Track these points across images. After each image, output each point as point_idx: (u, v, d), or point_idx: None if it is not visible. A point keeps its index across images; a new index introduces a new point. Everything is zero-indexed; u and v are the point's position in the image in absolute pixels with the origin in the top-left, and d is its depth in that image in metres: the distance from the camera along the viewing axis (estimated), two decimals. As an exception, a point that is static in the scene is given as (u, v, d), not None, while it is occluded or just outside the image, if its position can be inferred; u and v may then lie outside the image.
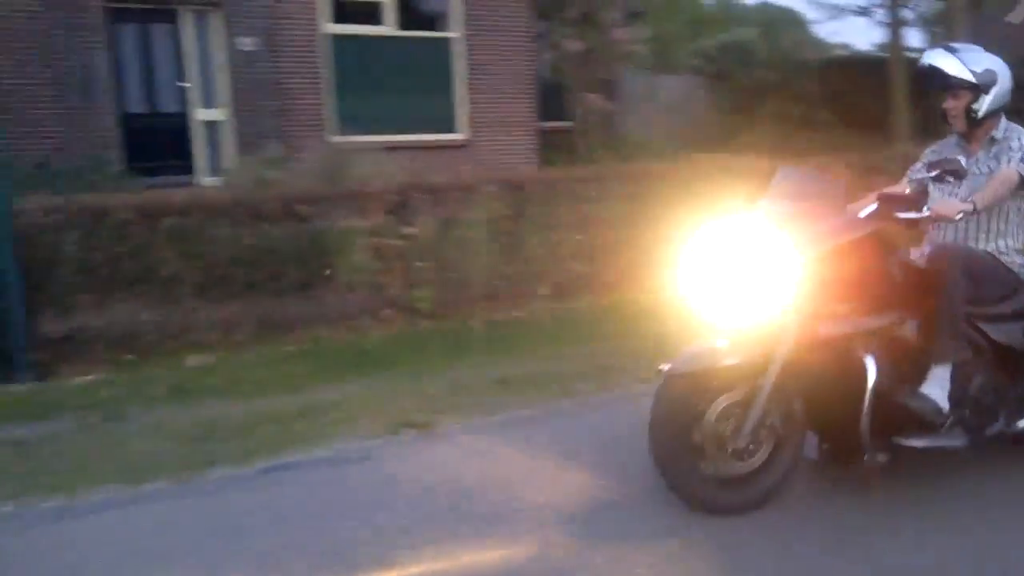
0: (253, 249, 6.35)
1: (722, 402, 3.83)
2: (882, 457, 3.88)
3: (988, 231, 4.23)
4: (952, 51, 4.15)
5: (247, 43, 12.66)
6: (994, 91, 4.11)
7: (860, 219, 3.88)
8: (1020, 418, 4.16)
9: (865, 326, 3.81)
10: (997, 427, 4.11)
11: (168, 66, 13.12)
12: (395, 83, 13.77)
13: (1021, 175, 4.07)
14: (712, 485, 3.86)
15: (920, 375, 3.92)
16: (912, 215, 3.93)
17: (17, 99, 11.91)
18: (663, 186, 7.75)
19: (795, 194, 3.93)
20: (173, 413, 5.22)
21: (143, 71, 13.08)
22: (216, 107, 13.05)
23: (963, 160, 4.08)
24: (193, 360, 6.02)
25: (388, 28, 13.54)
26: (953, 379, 3.96)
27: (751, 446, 3.84)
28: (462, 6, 13.84)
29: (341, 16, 13.31)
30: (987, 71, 4.08)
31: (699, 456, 3.81)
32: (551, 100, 14.90)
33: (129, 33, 12.91)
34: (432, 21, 14.21)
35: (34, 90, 11.90)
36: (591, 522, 3.80)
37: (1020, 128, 4.26)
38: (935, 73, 4.15)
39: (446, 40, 13.95)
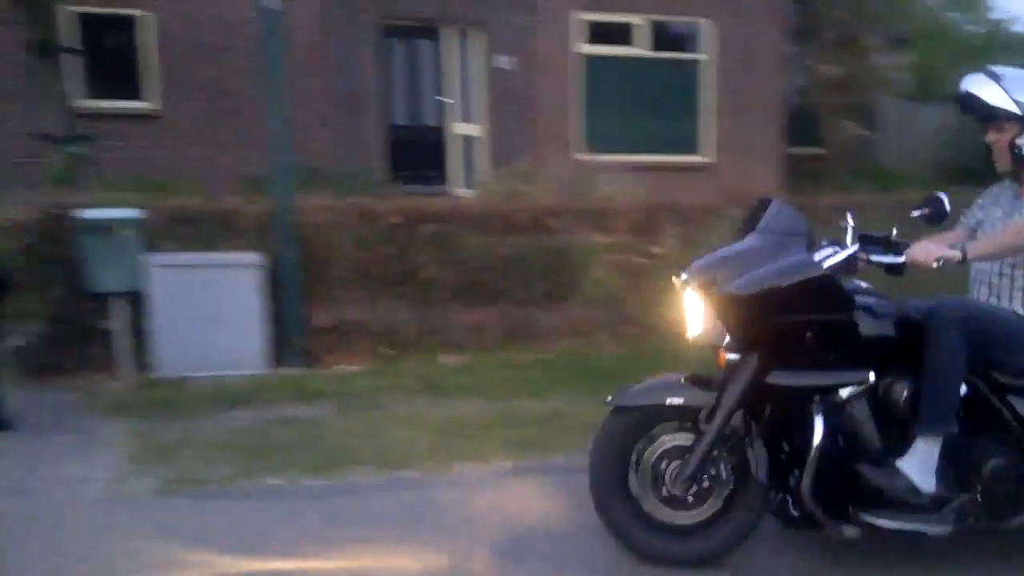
0: (503, 258, 6.66)
1: (663, 444, 3.53)
2: (850, 531, 3.41)
3: None
4: (994, 77, 3.59)
5: (505, 61, 13.19)
6: None
7: (814, 260, 3.38)
8: None
9: (823, 380, 3.37)
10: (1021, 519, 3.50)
11: (430, 82, 13.90)
12: (642, 103, 13.90)
13: None
14: (657, 533, 3.56)
15: (907, 445, 3.41)
16: (886, 259, 3.55)
17: (300, 111, 13.04)
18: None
19: (783, 229, 3.42)
20: (425, 406, 5.57)
21: (408, 86, 13.92)
22: (472, 122, 13.68)
23: (945, 199, 3.65)
24: (445, 359, 6.39)
25: (640, 50, 13.69)
26: (954, 456, 3.44)
27: (692, 495, 3.50)
28: (714, 29, 13.79)
29: (596, 37, 13.59)
30: None
31: (638, 501, 3.54)
32: (799, 125, 14.52)
33: (397, 50, 13.78)
34: (683, 43, 14.23)
35: (315, 103, 12.96)
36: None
37: None
38: (973, 101, 3.62)
39: (695, 62, 13.94)
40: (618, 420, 3.53)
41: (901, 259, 3.50)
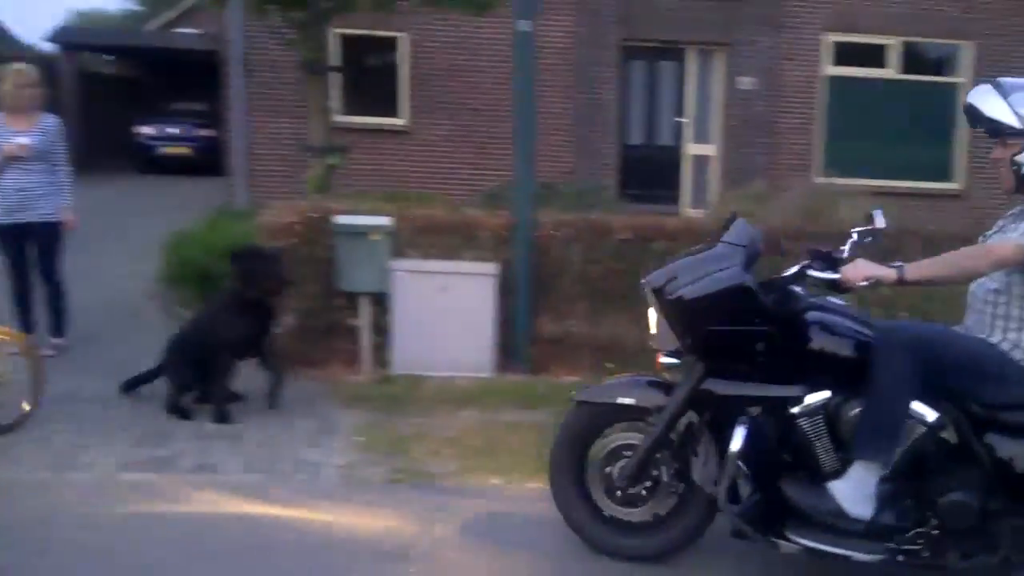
0: (732, 279, 6.58)
1: (613, 441, 3.69)
2: (786, 547, 3.42)
3: (1008, 318, 3.37)
4: (1001, 89, 3.36)
5: (746, 82, 13.02)
6: None
7: (738, 273, 3.45)
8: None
9: (756, 391, 3.46)
10: (984, 559, 3.32)
11: (668, 101, 13.93)
12: (889, 127, 13.31)
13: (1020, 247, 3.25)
14: (608, 527, 3.75)
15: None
16: (823, 275, 3.46)
17: (540, 127, 13.46)
18: None
19: (736, 241, 3.56)
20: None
21: (645, 105, 14.01)
22: (707, 142, 13.59)
23: (879, 215, 3.69)
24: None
25: (890, 72, 13.13)
26: (913, 486, 3.36)
27: (641, 492, 3.66)
28: (973, 51, 13.00)
29: (843, 58, 13.17)
30: None
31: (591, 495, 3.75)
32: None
33: (638, 69, 13.91)
34: (938, 66, 13.51)
35: (554, 119, 13.33)
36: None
37: None
38: (976, 115, 3.42)
39: (952, 86, 13.20)
40: (576, 416, 3.80)
41: (836, 276, 3.43)
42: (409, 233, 6.30)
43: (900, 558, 3.37)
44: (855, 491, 3.32)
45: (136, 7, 41.90)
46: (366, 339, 6.26)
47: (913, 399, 3.30)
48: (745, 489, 3.46)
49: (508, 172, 13.33)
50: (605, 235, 6.39)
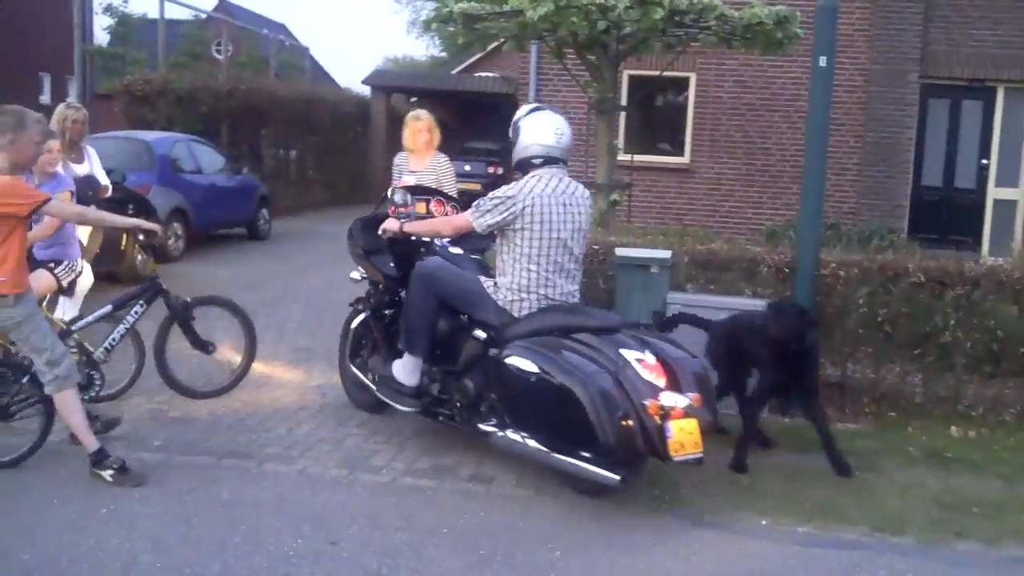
0: (1037, 332, 6.08)
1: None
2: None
3: (495, 268, 5.16)
4: None
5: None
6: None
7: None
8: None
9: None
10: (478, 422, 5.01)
11: (970, 142, 13.04)
12: None
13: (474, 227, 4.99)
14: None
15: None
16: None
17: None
18: None
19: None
20: (926, 476, 5.28)
21: (942, 146, 13.20)
22: (1013, 186, 12.58)
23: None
24: (956, 430, 5.99)
25: None
26: (440, 370, 5.29)
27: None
28: None
29: None
30: None
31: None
32: None
33: (939, 108, 13.14)
34: None
35: (842, 157, 12.88)
36: None
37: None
38: None
39: None
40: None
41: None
42: (689, 267, 6.34)
43: (440, 419, 5.28)
44: (403, 369, 5.31)
45: (441, 53, 44.90)
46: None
47: (428, 314, 5.16)
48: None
49: (790, 211, 13.11)
50: (896, 278, 6.10)
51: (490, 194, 4.96)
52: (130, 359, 5.82)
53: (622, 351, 4.50)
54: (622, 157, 10.51)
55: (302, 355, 7.44)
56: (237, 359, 6.16)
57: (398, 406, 5.33)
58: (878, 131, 13.01)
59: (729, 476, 5.16)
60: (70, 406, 4.66)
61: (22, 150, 4.52)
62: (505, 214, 4.83)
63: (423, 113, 7.33)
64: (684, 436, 4.35)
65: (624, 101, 12.82)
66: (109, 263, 9.21)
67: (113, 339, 5.29)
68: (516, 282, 4.86)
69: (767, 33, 8.86)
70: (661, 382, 4.40)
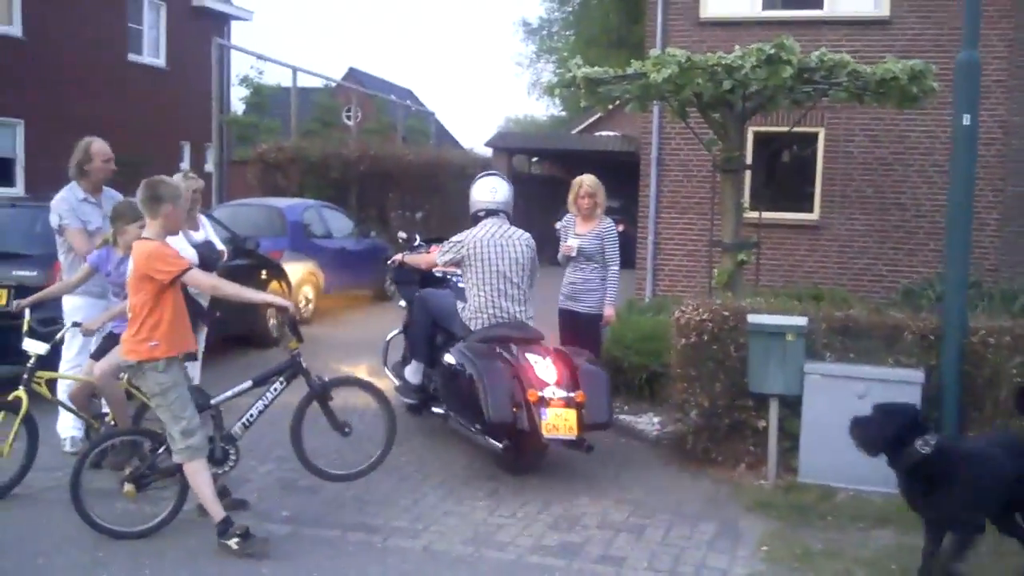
0: None
1: None
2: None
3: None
4: None
5: None
6: None
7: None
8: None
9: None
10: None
11: None
12: None
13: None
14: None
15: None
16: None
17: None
18: None
19: None
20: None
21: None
22: None
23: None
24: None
25: None
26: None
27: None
28: None
29: None
30: None
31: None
32: None
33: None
34: None
35: (981, 214, 12.26)
36: None
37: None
38: None
39: None
40: None
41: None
42: (826, 334, 6.06)
43: (435, 408, 6.70)
44: (411, 371, 7.05)
45: (561, 112, 45.34)
46: (773, 443, 6.07)
47: (425, 329, 6.89)
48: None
49: (925, 269, 12.55)
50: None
51: (450, 239, 6.70)
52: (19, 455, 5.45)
53: (528, 355, 5.95)
54: (750, 214, 10.25)
55: (424, 422, 7.43)
56: (375, 442, 5.83)
57: (406, 399, 7.03)
58: (1018, 184, 12.35)
59: None
60: (200, 476, 4.73)
61: (175, 219, 4.82)
62: (455, 254, 6.55)
63: (587, 178, 7.55)
64: (558, 421, 5.64)
65: (749, 158, 12.55)
66: (240, 327, 9.51)
67: (251, 415, 5.24)
68: (473, 305, 6.46)
69: (902, 88, 8.53)
70: (551, 379, 5.78)
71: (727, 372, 6.24)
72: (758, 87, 8.51)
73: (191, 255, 7.29)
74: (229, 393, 5.28)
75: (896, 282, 12.58)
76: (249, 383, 5.26)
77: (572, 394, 5.68)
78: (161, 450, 4.89)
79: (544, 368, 5.81)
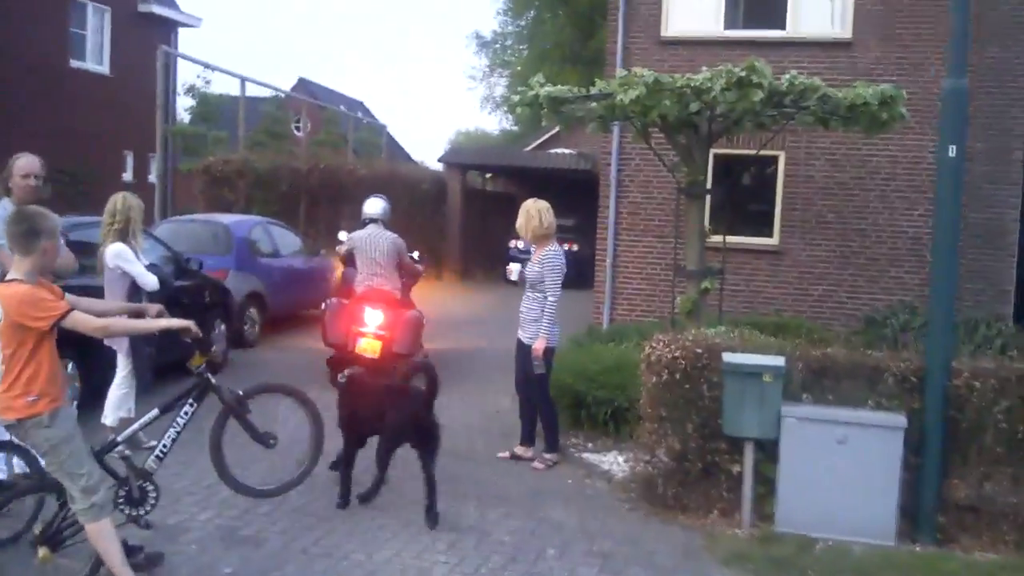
0: None
1: None
2: None
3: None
4: None
5: None
6: None
7: None
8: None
9: None
10: None
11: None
12: None
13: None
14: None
15: None
16: None
17: (926, 250, 12.41)
18: None
19: None
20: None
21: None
22: None
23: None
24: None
25: None
26: None
27: None
28: None
29: None
30: None
31: None
32: None
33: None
34: None
35: (943, 241, 12.19)
36: None
37: None
38: None
39: None
40: None
41: None
42: (803, 374, 5.77)
43: None
44: None
45: (513, 127, 45.12)
46: (748, 489, 5.75)
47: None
48: None
49: (888, 296, 12.40)
50: (1033, 389, 5.44)
51: (348, 236, 9.40)
52: None
53: (366, 306, 8.69)
54: (713, 238, 9.99)
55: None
56: (303, 450, 5.57)
57: None
58: (981, 211, 12.28)
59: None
60: (106, 536, 4.22)
61: (51, 257, 4.25)
62: (349, 246, 9.16)
63: (528, 203, 7.20)
64: (368, 346, 8.49)
65: (710, 181, 12.33)
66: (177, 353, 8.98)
67: (164, 445, 4.74)
68: (358, 278, 9.09)
69: (872, 114, 8.33)
70: (373, 323, 8.60)
71: (699, 413, 5.91)
72: (726, 110, 8.27)
73: (151, 281, 6.84)
74: (135, 426, 4.82)
75: (857, 309, 12.43)
76: (156, 411, 4.80)
77: (382, 332, 8.57)
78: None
79: (371, 315, 8.66)
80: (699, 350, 5.88)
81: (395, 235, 9.23)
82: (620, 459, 7.02)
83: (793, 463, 5.60)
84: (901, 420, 5.49)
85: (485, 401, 9.11)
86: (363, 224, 9.17)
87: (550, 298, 6.89)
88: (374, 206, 9.41)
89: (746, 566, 5.19)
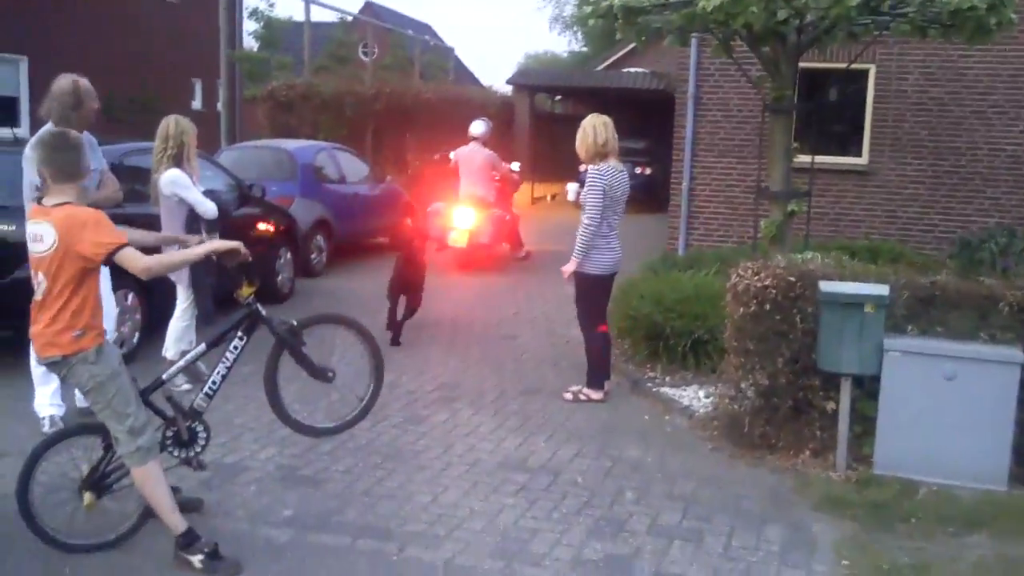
0: None
1: None
2: None
3: None
4: None
5: None
6: None
7: None
8: None
9: None
10: None
11: None
12: None
13: None
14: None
15: None
16: None
17: (1015, 170, 11.58)
18: None
19: None
20: None
21: None
22: None
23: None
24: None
25: None
26: None
27: None
28: None
29: None
30: None
31: None
32: None
33: None
34: None
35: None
36: None
37: None
38: None
39: None
40: None
41: None
42: (907, 304, 5.25)
43: None
44: None
45: (582, 48, 43.99)
46: (844, 428, 5.29)
47: None
48: None
49: (984, 217, 11.62)
50: None
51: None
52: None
53: (456, 208, 11.51)
54: (801, 159, 9.36)
55: (446, 392, 6.71)
56: (364, 385, 5.01)
57: None
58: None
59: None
60: (153, 481, 3.96)
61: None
62: (453, 157, 11.90)
63: (588, 118, 6.59)
64: (457, 237, 11.26)
65: (796, 97, 11.60)
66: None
67: (214, 381, 4.43)
68: (463, 187, 11.72)
69: (978, 19, 7.56)
70: (461, 222, 11.27)
71: (791, 346, 5.45)
72: (816, 17, 7.59)
73: (211, 208, 6.56)
74: (181, 363, 4.53)
75: (950, 232, 11.70)
76: (203, 347, 4.49)
77: (467, 228, 11.17)
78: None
79: (460, 214, 11.24)
80: (792, 278, 5.38)
81: (491, 151, 11.67)
82: (700, 394, 6.61)
83: (895, 401, 5.11)
84: (1018, 355, 4.95)
85: (554, 332, 8.73)
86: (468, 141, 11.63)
87: (584, 219, 6.35)
88: (476, 127, 11.61)
89: (843, 512, 4.77)
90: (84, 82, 5.67)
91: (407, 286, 8.24)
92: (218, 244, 4.31)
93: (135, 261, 3.84)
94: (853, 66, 11.43)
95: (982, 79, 11.76)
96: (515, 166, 12.90)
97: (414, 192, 14.81)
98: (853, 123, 12.47)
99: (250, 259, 4.33)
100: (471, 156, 11.63)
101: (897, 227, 12.13)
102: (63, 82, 5.64)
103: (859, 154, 12.39)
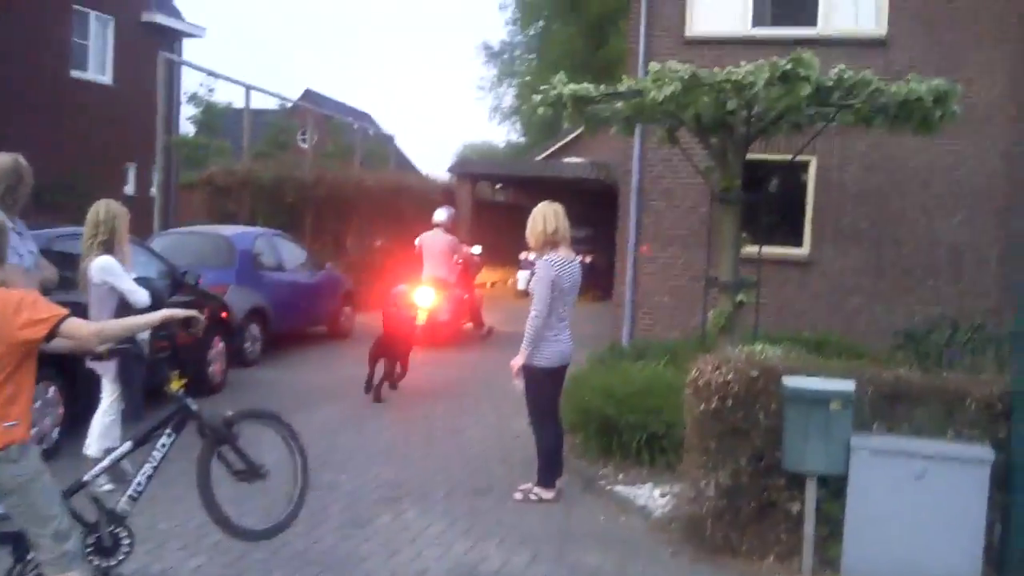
0: None
1: None
2: None
3: None
4: None
5: None
6: None
7: None
8: None
9: None
10: None
11: None
12: None
13: None
14: None
15: None
16: None
17: (967, 259, 11.72)
18: None
19: None
20: None
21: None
22: None
23: None
24: None
25: None
26: None
27: None
28: None
29: None
30: None
31: None
32: None
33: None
34: None
35: (984, 250, 11.54)
36: None
37: None
38: None
39: None
40: None
41: None
42: (873, 401, 5.08)
43: None
44: None
45: (520, 139, 44.55)
46: (810, 530, 5.05)
47: None
48: None
49: (924, 308, 11.66)
50: None
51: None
52: None
53: (422, 289, 12.29)
54: (748, 249, 9.31)
55: (388, 492, 6.33)
56: (292, 483, 4.65)
57: None
58: (1023, 218, 11.60)
59: None
60: None
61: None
62: (417, 243, 12.99)
63: (539, 206, 6.47)
64: (419, 315, 11.48)
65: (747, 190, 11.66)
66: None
67: (139, 483, 4.07)
68: (426, 269, 12.64)
69: (924, 111, 7.66)
70: (425, 301, 12.08)
71: (753, 444, 5.22)
72: (765, 108, 7.62)
73: (142, 296, 6.16)
74: (105, 462, 4.13)
75: (893, 324, 11.71)
76: (129, 445, 4.12)
77: (426, 306, 12.00)
78: (31, 555, 3.70)
79: (420, 294, 12.09)
80: (754, 373, 5.19)
81: (452, 236, 12.86)
82: (656, 493, 6.32)
83: (863, 501, 4.89)
84: (988, 452, 4.79)
85: (502, 425, 8.42)
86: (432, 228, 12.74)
87: (532, 311, 6.10)
88: (439, 215, 12.85)
89: (815, 623, 4.51)
90: (24, 161, 5.41)
91: (386, 352, 9.38)
92: (176, 313, 3.97)
93: (82, 328, 3.51)
94: (802, 157, 11.60)
95: (921, 171, 11.96)
96: (476, 249, 14.51)
97: (380, 274, 15.60)
98: (794, 214, 12.57)
99: (205, 325, 4.05)
100: (433, 241, 12.64)
101: (840, 318, 12.12)
102: (5, 160, 5.34)
103: (800, 244, 12.45)
